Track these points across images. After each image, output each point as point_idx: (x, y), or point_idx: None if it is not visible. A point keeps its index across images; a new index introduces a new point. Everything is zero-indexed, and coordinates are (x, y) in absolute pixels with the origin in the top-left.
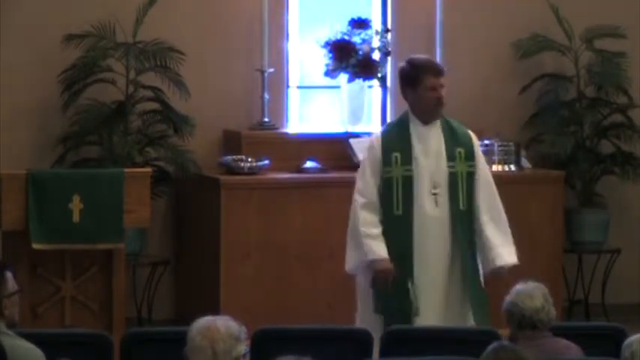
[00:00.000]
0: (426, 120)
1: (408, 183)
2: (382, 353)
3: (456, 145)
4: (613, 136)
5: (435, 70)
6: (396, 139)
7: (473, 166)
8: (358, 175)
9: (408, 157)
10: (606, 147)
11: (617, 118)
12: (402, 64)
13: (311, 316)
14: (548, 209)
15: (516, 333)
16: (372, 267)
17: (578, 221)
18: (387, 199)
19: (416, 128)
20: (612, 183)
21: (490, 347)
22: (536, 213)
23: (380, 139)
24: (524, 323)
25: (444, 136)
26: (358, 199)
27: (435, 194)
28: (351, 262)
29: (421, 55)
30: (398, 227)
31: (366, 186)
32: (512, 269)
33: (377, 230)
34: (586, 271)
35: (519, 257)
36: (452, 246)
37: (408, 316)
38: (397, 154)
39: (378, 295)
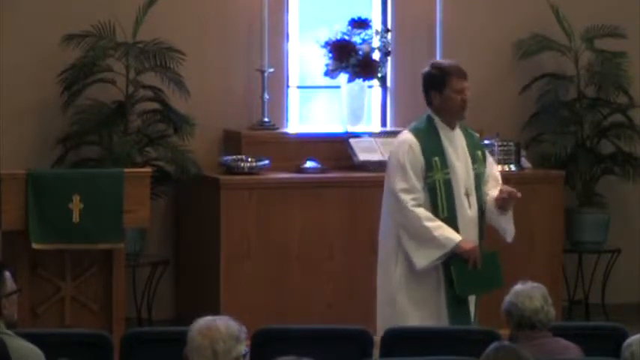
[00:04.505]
0: (452, 123)
1: (449, 186)
2: (382, 353)
3: (476, 148)
4: (613, 136)
5: (461, 73)
6: (432, 144)
7: (485, 167)
8: (397, 177)
9: (445, 161)
10: (606, 147)
11: (617, 118)
12: (427, 68)
13: (311, 316)
14: (548, 209)
15: (516, 333)
16: (459, 250)
17: (578, 221)
18: (431, 203)
19: (445, 132)
20: (612, 183)
21: (491, 347)
22: (536, 213)
23: (418, 143)
24: (523, 323)
25: (466, 139)
26: (407, 199)
27: (467, 195)
28: (425, 260)
29: (445, 60)
30: None
31: (413, 187)
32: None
33: (439, 221)
34: (586, 271)
35: (519, 257)
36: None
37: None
38: (437, 158)
39: (462, 273)
